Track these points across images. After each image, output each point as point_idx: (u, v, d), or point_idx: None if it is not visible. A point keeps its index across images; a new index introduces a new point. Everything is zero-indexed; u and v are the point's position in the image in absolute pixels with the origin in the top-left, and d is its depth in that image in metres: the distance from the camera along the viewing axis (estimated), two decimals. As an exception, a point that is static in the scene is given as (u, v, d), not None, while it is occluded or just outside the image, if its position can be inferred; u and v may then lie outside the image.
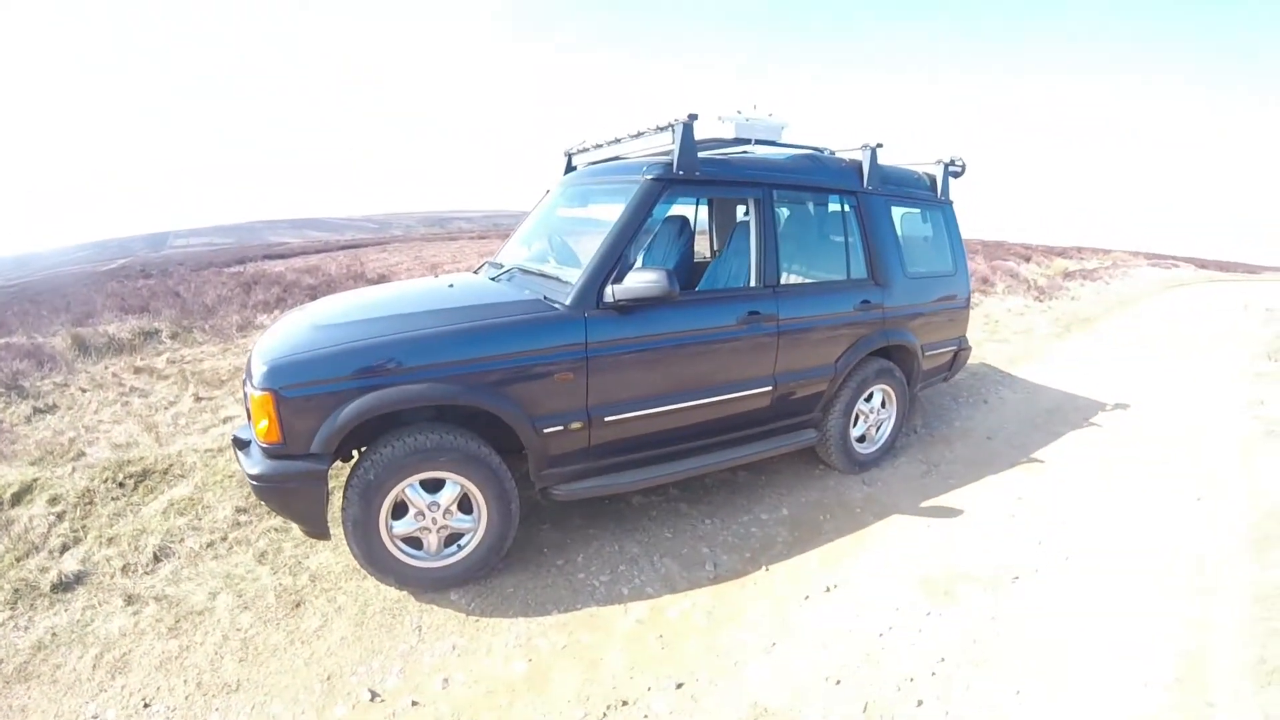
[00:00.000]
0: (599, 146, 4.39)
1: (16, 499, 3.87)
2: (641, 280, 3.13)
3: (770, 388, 3.85)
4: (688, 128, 3.40)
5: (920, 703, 2.64)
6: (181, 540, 3.52)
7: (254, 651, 2.84)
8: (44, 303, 13.20)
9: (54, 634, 2.96)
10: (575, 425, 3.17)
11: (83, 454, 4.37)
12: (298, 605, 3.11)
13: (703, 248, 5.50)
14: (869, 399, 4.59)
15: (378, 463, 2.84)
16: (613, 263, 3.25)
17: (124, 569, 3.33)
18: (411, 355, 2.83)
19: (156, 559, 3.40)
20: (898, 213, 4.67)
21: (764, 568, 3.55)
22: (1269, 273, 14.50)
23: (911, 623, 3.13)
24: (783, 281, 3.90)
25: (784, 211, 4.27)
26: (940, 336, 4.97)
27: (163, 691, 2.65)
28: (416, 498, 2.96)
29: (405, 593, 3.19)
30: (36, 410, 5.32)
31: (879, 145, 4.40)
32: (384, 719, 2.53)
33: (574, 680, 2.74)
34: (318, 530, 2.95)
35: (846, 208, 4.34)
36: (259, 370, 2.75)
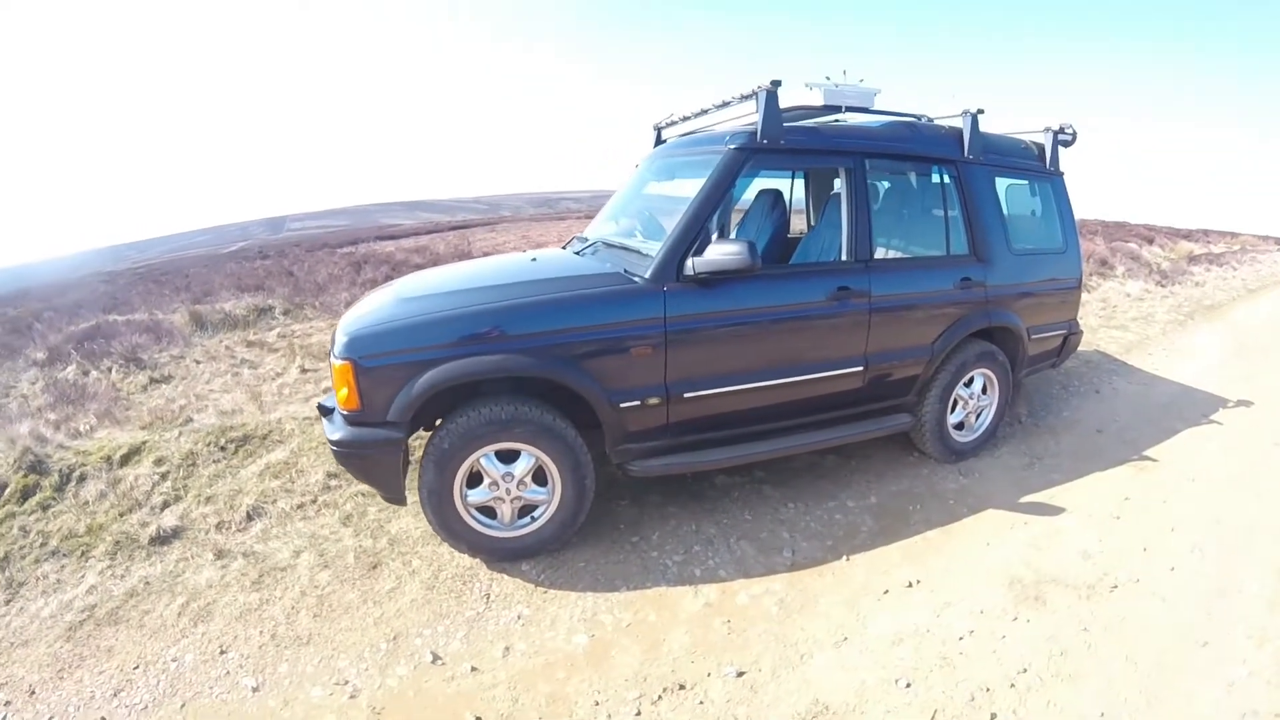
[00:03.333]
0: (686, 119, 4.24)
1: (125, 459, 4.07)
2: (722, 252, 2.98)
3: (861, 368, 3.62)
4: (771, 95, 3.21)
5: (994, 716, 2.42)
6: (274, 501, 3.63)
7: (328, 608, 2.91)
8: (166, 283, 14.13)
9: (147, 583, 3.11)
10: (653, 401, 3.08)
11: (190, 420, 4.59)
12: (375, 567, 3.16)
13: (802, 225, 5.25)
14: (969, 384, 4.26)
15: (453, 432, 2.84)
16: (694, 235, 3.12)
17: (218, 526, 3.47)
18: (484, 327, 2.83)
19: (249, 518, 3.52)
20: (1002, 184, 4.29)
21: (844, 557, 3.36)
22: None
23: (995, 628, 2.89)
24: (876, 256, 3.67)
25: (878, 182, 4.03)
26: (1048, 319, 4.56)
27: (239, 640, 2.75)
28: (491, 468, 2.95)
29: (478, 560, 3.19)
30: (153, 380, 5.65)
31: (980, 111, 4.03)
32: (442, 681, 2.55)
33: (633, 659, 2.68)
34: (395, 496, 2.98)
35: (946, 178, 4.01)
36: (340, 340, 2.83)
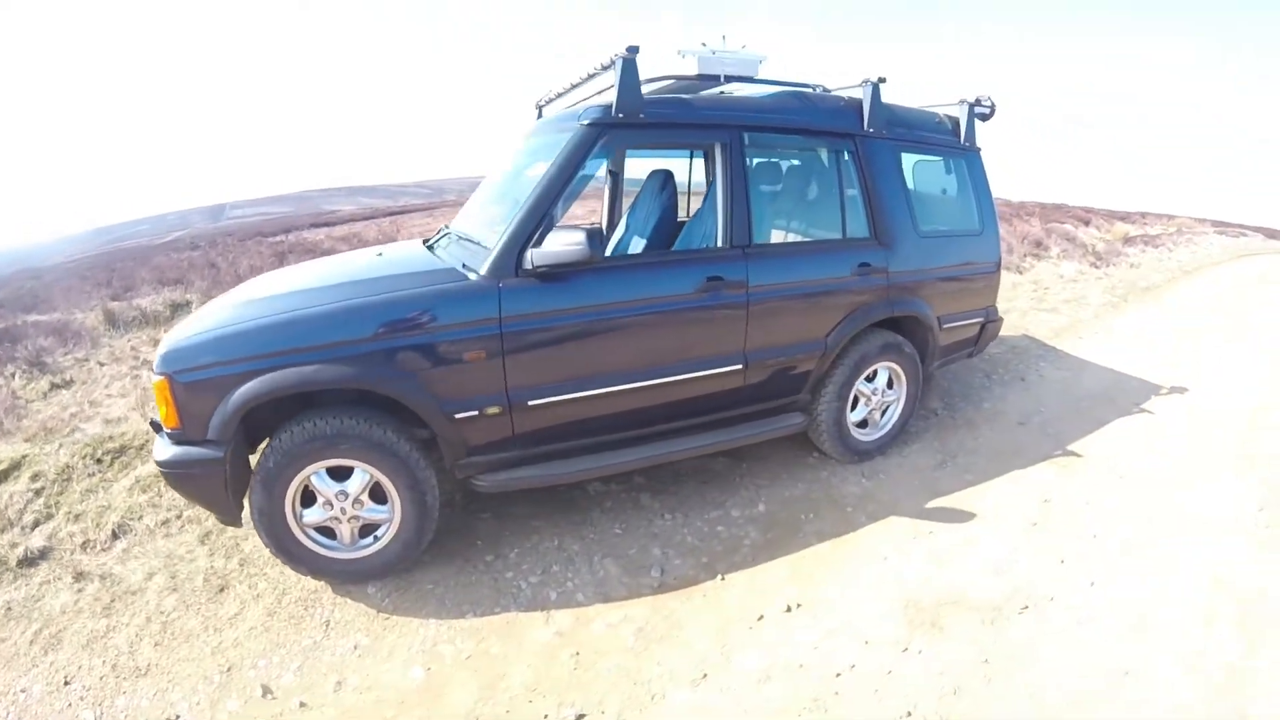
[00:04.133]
0: (562, 94, 3.76)
1: (4, 476, 3.85)
2: (560, 243, 2.69)
3: (740, 366, 3.28)
4: (629, 63, 2.84)
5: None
6: (140, 518, 3.47)
7: (170, 636, 2.77)
8: (91, 278, 13.29)
9: (9, 608, 2.95)
10: (493, 411, 2.79)
11: (77, 430, 4.36)
12: (222, 590, 3.00)
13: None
14: (871, 379, 3.90)
15: (277, 449, 2.62)
16: (534, 224, 2.79)
17: (84, 545, 3.31)
18: (298, 335, 2.58)
19: (114, 536, 3.36)
20: (909, 161, 3.92)
21: (720, 576, 3.04)
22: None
23: (882, 660, 2.53)
24: (758, 241, 3.31)
25: (760, 159, 3.66)
26: (963, 306, 4.21)
27: (83, 670, 2.63)
28: (323, 486, 2.72)
29: (324, 584, 2.98)
30: (54, 386, 5.35)
31: (881, 80, 3.63)
32: (270, 718, 2.38)
33: (468, 697, 2.44)
34: (226, 517, 2.79)
35: (843, 154, 3.62)
36: (157, 355, 2.62)
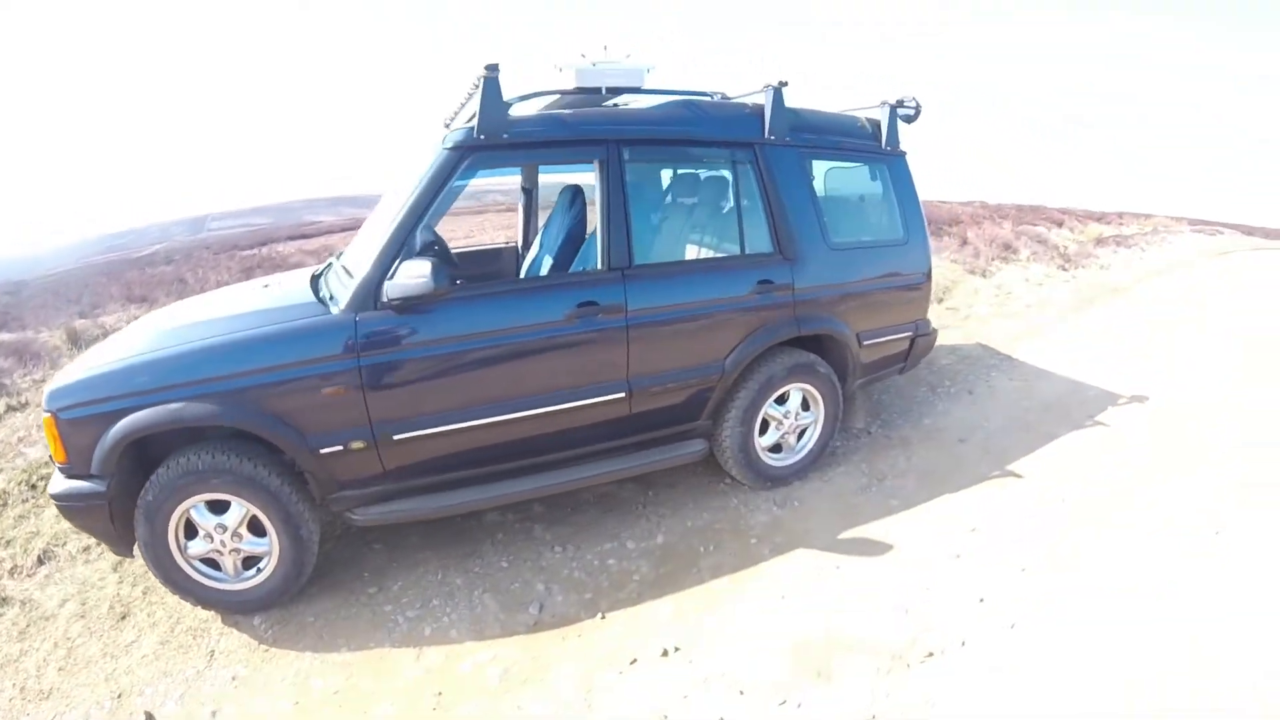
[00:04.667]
0: (457, 113, 3.57)
1: None
2: (405, 275, 2.65)
3: (623, 394, 3.13)
4: (489, 82, 2.78)
5: None
6: (64, 544, 3.50)
7: (73, 661, 2.83)
8: (64, 294, 13.14)
9: None
10: (357, 445, 2.76)
11: (20, 455, 4.37)
12: (124, 617, 3.03)
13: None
14: (783, 400, 3.66)
15: (155, 484, 2.67)
16: (393, 255, 2.74)
17: (11, 571, 3.35)
18: (164, 374, 2.63)
19: (40, 562, 3.40)
20: (820, 168, 3.72)
21: (600, 615, 2.91)
22: (1319, 241, 12.39)
23: (753, 714, 2.31)
24: (642, 262, 3.16)
25: (644, 175, 3.51)
26: (887, 321, 3.97)
27: None
28: (202, 519, 2.75)
29: (215, 614, 2.99)
30: (9, 408, 5.30)
31: (783, 84, 3.39)
32: None
33: None
34: (118, 548, 2.88)
35: (742, 165, 3.42)
36: (44, 391, 2.72)
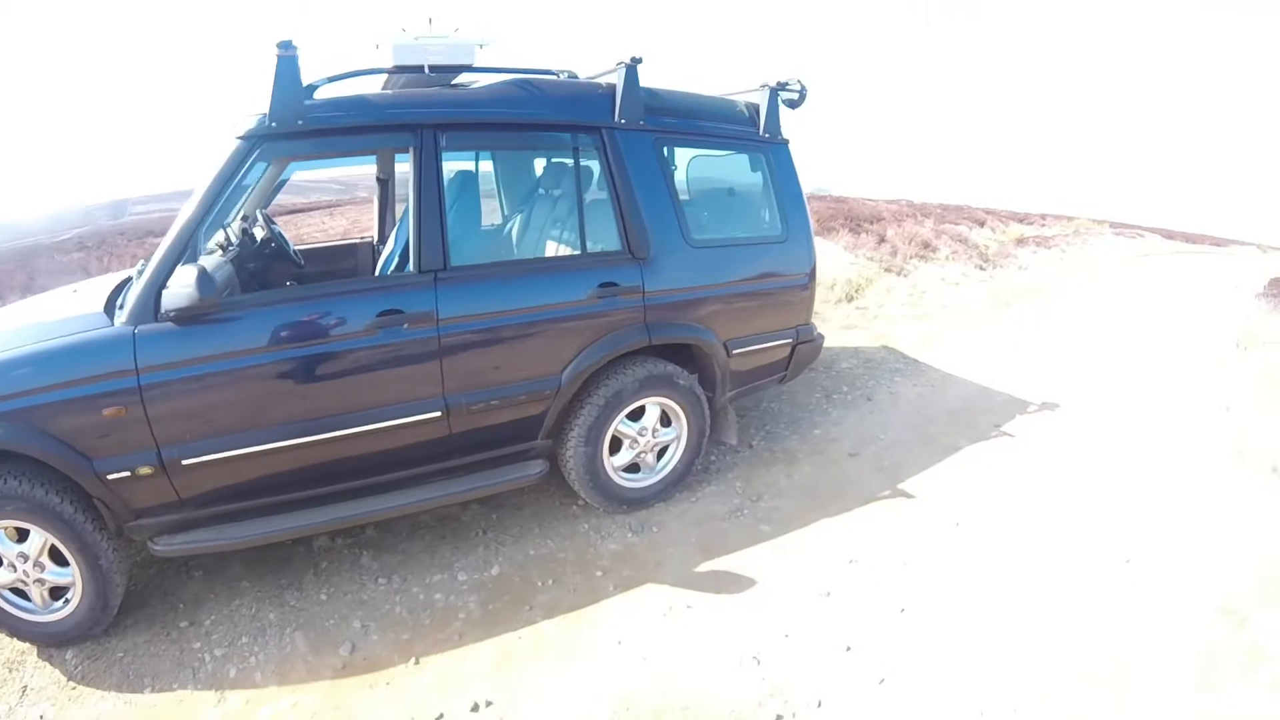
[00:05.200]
0: None
1: None
2: (176, 283, 2.35)
3: (440, 413, 2.74)
4: (283, 62, 2.42)
5: None
6: None
7: None
8: (-31, 285, 12.17)
9: None
10: (145, 470, 2.46)
11: None
12: None
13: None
14: (637, 416, 3.27)
15: None
16: (175, 260, 2.42)
17: None
18: None
19: None
20: (684, 156, 3.36)
21: (414, 660, 2.55)
22: (1236, 246, 12.41)
23: None
24: (457, 263, 2.76)
25: (463, 163, 3.23)
26: (762, 327, 3.57)
27: None
28: (4, 548, 2.50)
29: (31, 646, 2.72)
30: None
31: (637, 60, 2.97)
32: None
33: None
34: None
35: (584, 151, 3.01)
36: None
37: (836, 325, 6.41)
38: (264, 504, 2.65)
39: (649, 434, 3.30)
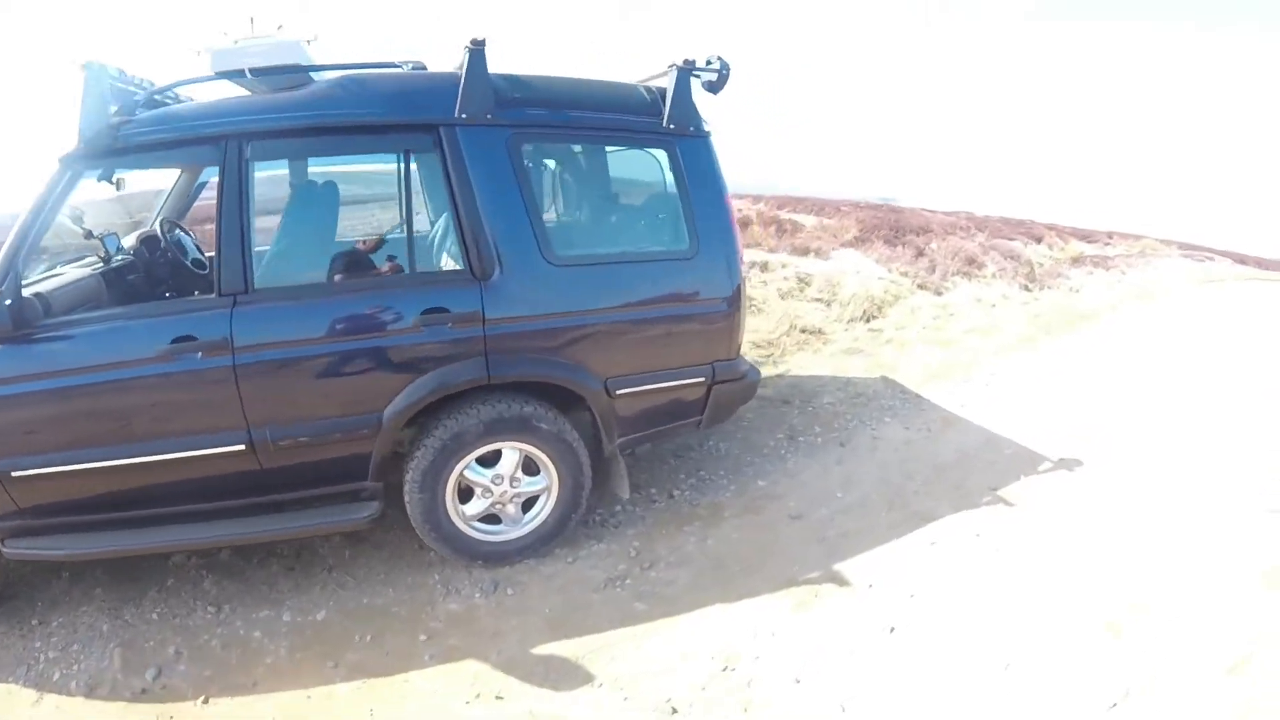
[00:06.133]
0: None
1: None
2: None
3: (244, 446, 2.51)
4: (91, 82, 2.34)
5: None
6: None
7: None
8: None
9: None
10: None
11: None
12: None
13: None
14: (491, 462, 2.78)
15: None
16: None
17: None
18: None
19: None
20: (556, 153, 2.92)
21: (204, 699, 2.38)
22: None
23: None
24: (263, 285, 2.53)
25: (273, 173, 2.99)
26: (660, 362, 2.94)
27: None
28: None
29: None
30: None
31: (479, 42, 2.46)
32: None
33: None
34: None
35: (418, 153, 2.67)
36: None
37: (838, 349, 5.60)
38: (98, 520, 2.59)
39: (505, 483, 2.78)
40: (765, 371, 5.06)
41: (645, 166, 2.96)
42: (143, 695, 2.40)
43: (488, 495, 2.79)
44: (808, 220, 11.33)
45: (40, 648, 2.60)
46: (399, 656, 2.48)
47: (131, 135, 2.43)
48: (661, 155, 2.88)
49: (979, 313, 6.42)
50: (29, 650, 2.59)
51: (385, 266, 2.94)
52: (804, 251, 8.40)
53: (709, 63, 2.82)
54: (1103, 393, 4.80)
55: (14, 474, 2.42)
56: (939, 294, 6.98)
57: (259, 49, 2.65)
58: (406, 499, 2.69)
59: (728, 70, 2.80)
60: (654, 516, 3.30)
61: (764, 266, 7.62)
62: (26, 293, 2.40)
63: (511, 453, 2.74)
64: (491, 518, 2.86)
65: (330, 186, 2.94)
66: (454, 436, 2.61)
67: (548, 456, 2.76)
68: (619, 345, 2.81)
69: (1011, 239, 8.80)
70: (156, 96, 2.62)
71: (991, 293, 6.89)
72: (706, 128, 2.89)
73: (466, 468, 2.70)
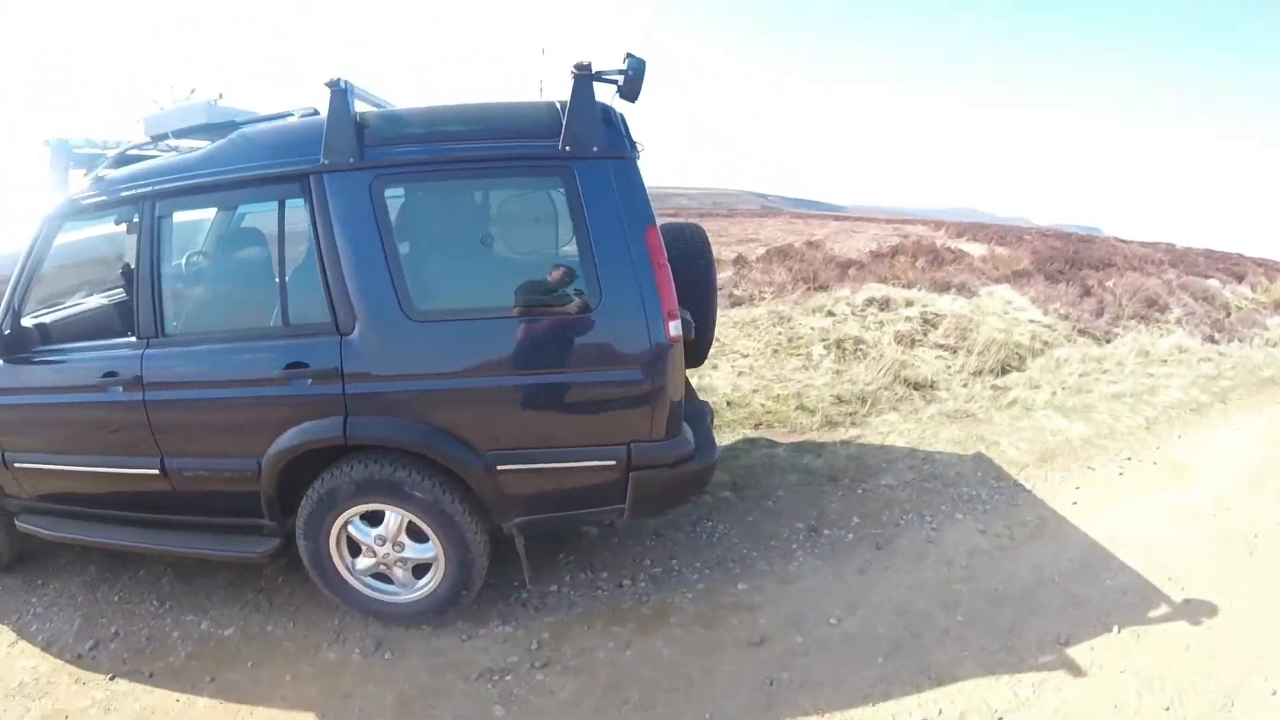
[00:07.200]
0: None
1: None
2: None
3: (157, 470, 2.66)
4: (55, 153, 2.75)
5: None
6: None
7: None
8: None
9: None
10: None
11: None
12: None
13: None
14: (376, 521, 2.59)
15: None
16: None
17: None
18: None
19: None
20: (425, 193, 2.55)
21: (112, 676, 2.56)
22: None
23: None
24: (172, 330, 2.62)
25: (183, 227, 2.96)
26: (555, 438, 2.43)
27: None
28: None
29: None
30: None
31: (336, 83, 2.25)
32: None
33: None
34: None
35: (291, 201, 2.49)
36: None
37: (941, 411, 4.55)
38: (73, 510, 2.93)
39: (388, 545, 2.59)
40: (835, 435, 4.21)
41: (541, 200, 2.50)
42: (77, 660, 2.66)
43: (372, 554, 2.63)
44: (977, 250, 9.90)
45: (35, 603, 2.98)
46: (260, 690, 2.46)
47: (84, 198, 2.69)
48: (555, 184, 2.37)
49: (1139, 371, 4.97)
50: (26, 603, 2.99)
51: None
52: (944, 287, 7.20)
53: (631, 58, 2.20)
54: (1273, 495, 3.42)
55: (15, 465, 2.84)
56: (1103, 343, 5.56)
57: (175, 113, 2.80)
58: (297, 543, 2.65)
59: (639, 70, 2.18)
60: (587, 606, 2.75)
61: (884, 304, 6.60)
62: (30, 322, 2.75)
63: (394, 516, 2.53)
64: (387, 576, 2.69)
65: (250, 233, 2.99)
66: (329, 491, 2.50)
67: (429, 527, 2.50)
68: (501, 415, 2.40)
69: (1208, 276, 6.94)
70: (129, 152, 2.85)
71: (1165, 344, 5.33)
72: (627, 147, 2.26)
73: (349, 523, 2.58)
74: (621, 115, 2.36)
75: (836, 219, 24.18)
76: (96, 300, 3.54)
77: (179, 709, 2.40)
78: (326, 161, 2.32)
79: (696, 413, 2.84)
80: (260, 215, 2.95)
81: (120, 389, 2.57)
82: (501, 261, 2.62)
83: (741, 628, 2.63)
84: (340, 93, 2.25)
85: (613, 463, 2.37)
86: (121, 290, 3.53)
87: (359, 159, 2.30)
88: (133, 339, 2.62)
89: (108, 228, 3.19)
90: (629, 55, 2.19)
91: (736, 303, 7.14)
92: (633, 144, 2.32)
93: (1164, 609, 2.70)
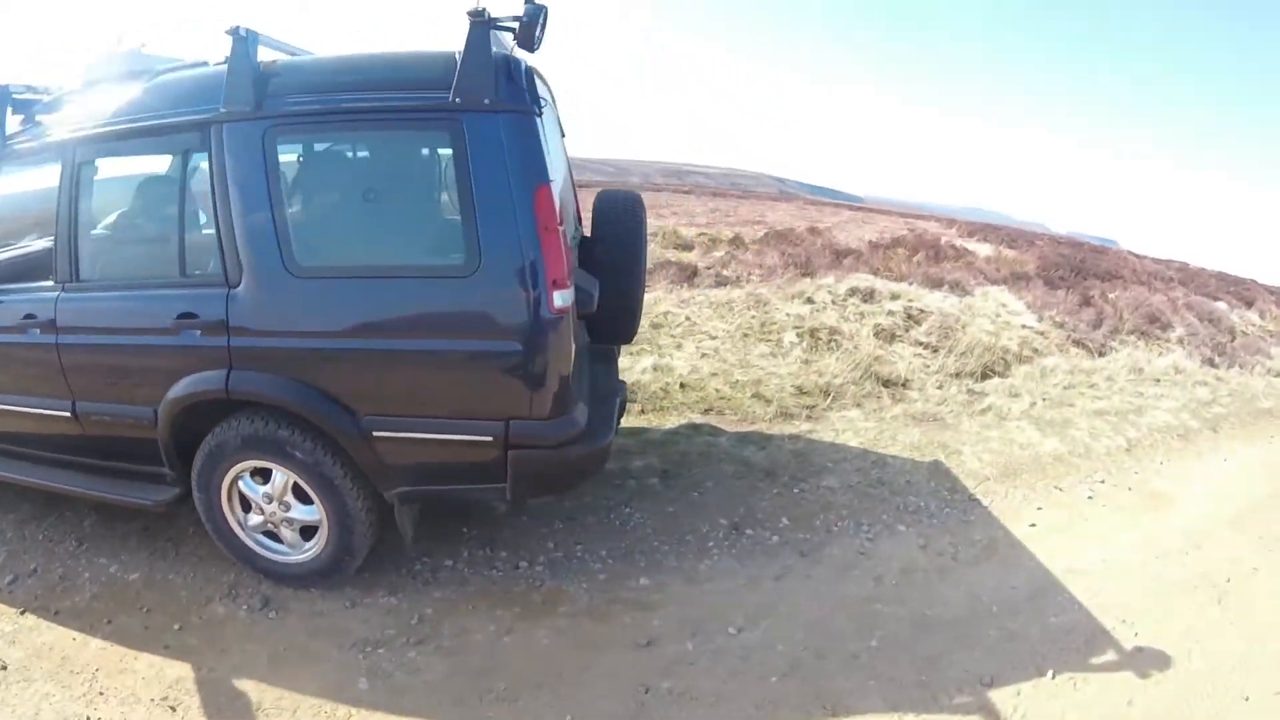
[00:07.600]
0: None
1: None
2: None
3: (69, 413, 2.69)
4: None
5: None
6: None
7: None
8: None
9: None
10: None
11: None
12: None
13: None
14: (265, 479, 2.53)
15: None
16: None
17: None
18: None
19: None
20: (317, 145, 2.67)
21: (23, 611, 2.57)
22: None
23: None
24: (86, 277, 2.61)
25: (101, 174, 2.83)
26: (430, 407, 2.30)
27: None
28: None
29: None
30: None
31: (238, 30, 2.18)
32: None
33: None
34: None
35: (192, 153, 2.51)
36: None
37: (907, 412, 4.29)
38: (2, 447, 2.94)
39: (274, 504, 2.54)
40: (786, 429, 3.96)
41: (429, 156, 2.42)
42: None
43: (260, 512, 2.59)
44: (984, 250, 9.53)
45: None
46: (149, 636, 2.45)
47: (17, 143, 2.70)
48: (442, 138, 2.25)
49: (1127, 390, 4.65)
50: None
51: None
52: (936, 283, 6.88)
53: (525, 10, 1.97)
54: (1254, 538, 3.14)
55: None
56: (1096, 355, 5.25)
57: (104, 63, 2.78)
58: (194, 494, 2.64)
59: (535, 16, 1.97)
60: (478, 585, 2.62)
61: (868, 295, 6.30)
62: None
63: (280, 475, 2.48)
64: (277, 535, 2.65)
65: (162, 180, 2.89)
66: (218, 444, 2.47)
67: (311, 488, 2.43)
68: (378, 379, 2.31)
69: (1216, 298, 6.57)
70: (63, 99, 2.77)
71: (1161, 363, 5.00)
72: (527, 101, 2.06)
73: (239, 478, 2.54)
74: (529, 68, 2.20)
75: (851, 209, 23.65)
76: (39, 244, 3.46)
77: (74, 647, 2.41)
78: (225, 110, 2.26)
79: (605, 393, 2.65)
80: (172, 163, 2.89)
81: (38, 330, 2.59)
82: (384, 220, 2.45)
83: (633, 626, 2.44)
84: (241, 40, 2.17)
85: (489, 439, 2.21)
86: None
87: (256, 109, 2.23)
88: (51, 283, 2.63)
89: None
90: (527, 1, 1.96)
91: (721, 283, 6.88)
92: (535, 98, 2.13)
93: (1110, 656, 2.43)
